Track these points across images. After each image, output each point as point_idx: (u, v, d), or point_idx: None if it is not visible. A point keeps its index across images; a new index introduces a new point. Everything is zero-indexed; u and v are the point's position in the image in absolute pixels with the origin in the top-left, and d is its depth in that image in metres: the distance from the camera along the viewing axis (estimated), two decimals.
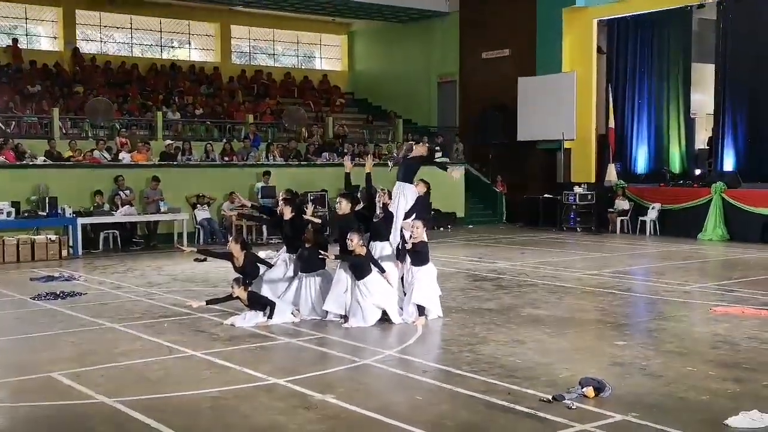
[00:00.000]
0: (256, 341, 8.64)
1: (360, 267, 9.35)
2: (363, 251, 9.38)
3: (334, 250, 9.91)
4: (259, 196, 19.34)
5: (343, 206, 9.83)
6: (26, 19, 26.28)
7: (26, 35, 26.41)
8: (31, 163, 17.84)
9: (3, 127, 20.04)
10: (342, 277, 9.62)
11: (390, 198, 9.96)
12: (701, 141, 24.59)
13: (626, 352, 8.04)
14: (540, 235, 20.97)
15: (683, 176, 22.18)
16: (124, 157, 19.09)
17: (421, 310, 9.50)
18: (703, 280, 13.33)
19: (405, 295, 9.71)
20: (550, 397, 6.40)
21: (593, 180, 23.07)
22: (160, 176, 18.58)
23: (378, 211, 9.97)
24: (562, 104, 23.16)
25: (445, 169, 10.77)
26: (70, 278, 13.26)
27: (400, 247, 9.92)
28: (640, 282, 12.78)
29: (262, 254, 11.30)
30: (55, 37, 26.59)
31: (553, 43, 24.11)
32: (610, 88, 23.27)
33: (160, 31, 28.77)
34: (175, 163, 19.70)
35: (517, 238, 20.34)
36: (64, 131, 20.46)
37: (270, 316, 9.44)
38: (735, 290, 11.82)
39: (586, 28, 23.80)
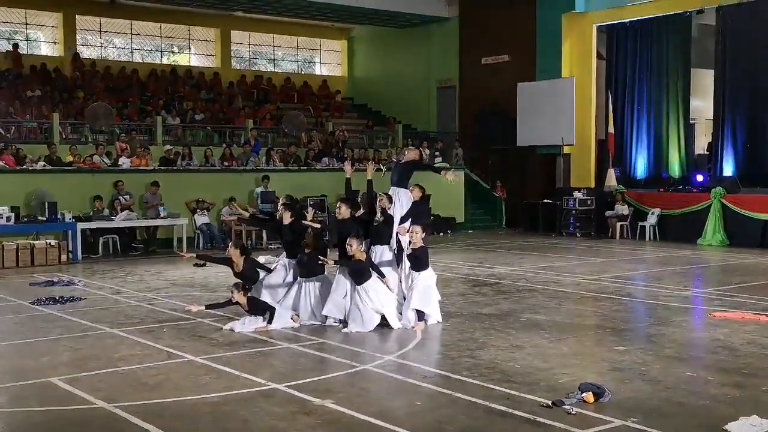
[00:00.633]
0: (255, 346, 8.64)
1: (359, 272, 9.36)
2: (362, 256, 9.38)
3: (333, 255, 9.92)
4: (259, 201, 19.35)
5: (343, 211, 9.85)
6: (26, 24, 26.32)
7: (26, 40, 26.44)
8: (30, 168, 17.84)
9: (3, 132, 20.06)
10: (341, 282, 9.62)
11: (390, 202, 9.98)
12: (701, 146, 24.63)
13: (626, 357, 8.04)
14: (539, 240, 20.97)
15: (683, 181, 22.18)
16: (124, 162, 19.10)
17: (420, 315, 9.50)
18: (703, 285, 13.33)
19: (404, 299, 9.71)
20: (549, 403, 6.39)
21: (593, 185, 23.08)
22: (159, 181, 18.59)
23: (378, 216, 9.98)
24: (561, 110, 23.18)
25: (439, 172, 10.76)
26: (69, 283, 13.26)
27: (396, 251, 9.94)
28: (639, 287, 12.77)
29: (261, 259, 11.30)
30: (55, 42, 26.62)
31: (552, 48, 24.14)
32: (609, 94, 23.30)
33: (160, 37, 28.80)
34: (174, 168, 19.71)
35: (516, 243, 20.34)
36: (63, 136, 20.48)
37: (269, 321, 9.44)
38: (734, 295, 11.82)
39: (585, 34, 23.83)
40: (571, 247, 19.31)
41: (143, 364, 7.88)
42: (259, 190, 19.90)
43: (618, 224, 21.16)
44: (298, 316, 9.76)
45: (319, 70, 32.71)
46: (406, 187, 10.24)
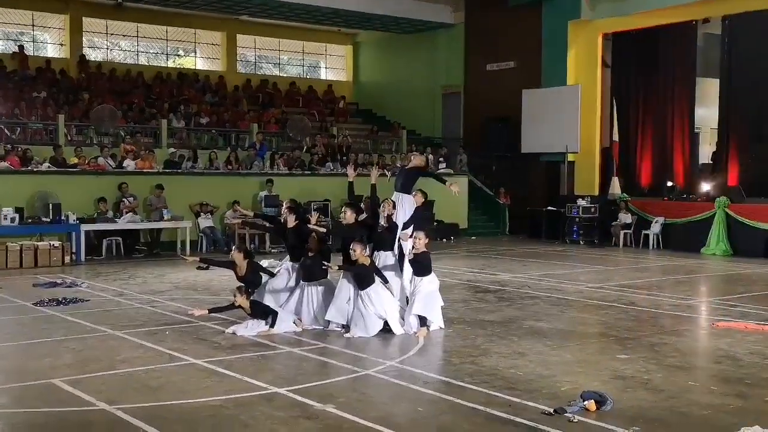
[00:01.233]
0: (257, 350, 8.63)
1: (363, 277, 9.36)
2: (366, 261, 9.38)
3: (337, 259, 9.92)
4: (263, 205, 19.36)
5: (348, 216, 9.86)
6: (33, 25, 26.40)
7: (33, 42, 26.52)
8: (35, 169, 17.88)
9: (8, 134, 20.10)
10: (345, 287, 9.63)
11: (394, 208, 9.98)
12: (705, 155, 24.60)
13: (628, 365, 8.02)
14: (543, 247, 20.95)
15: (687, 190, 22.16)
16: (129, 164, 19.13)
17: (422, 321, 9.49)
18: (706, 294, 13.31)
19: (407, 305, 9.71)
20: (551, 410, 6.38)
21: (596, 193, 23.08)
22: (164, 184, 18.61)
23: (382, 222, 9.98)
24: (566, 117, 23.19)
25: (444, 182, 10.76)
26: (72, 285, 13.28)
27: (398, 257, 9.94)
28: (642, 296, 12.75)
29: (264, 263, 11.31)
30: (61, 44, 26.70)
31: (558, 55, 24.17)
32: (614, 102, 23.30)
33: (166, 40, 28.88)
34: (179, 171, 19.74)
35: (519, 250, 20.32)
36: (69, 138, 20.53)
37: (272, 325, 9.43)
38: (738, 305, 11.79)
39: (591, 42, 23.87)
40: (574, 255, 19.29)
41: (145, 366, 7.88)
42: (263, 193, 19.91)
43: (621, 232, 21.14)
44: (301, 320, 9.76)
45: (325, 74, 32.77)
46: (409, 193, 10.24)
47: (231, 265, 10.07)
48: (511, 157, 24.97)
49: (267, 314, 9.50)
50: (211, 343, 8.99)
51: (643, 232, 20.84)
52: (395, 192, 10.27)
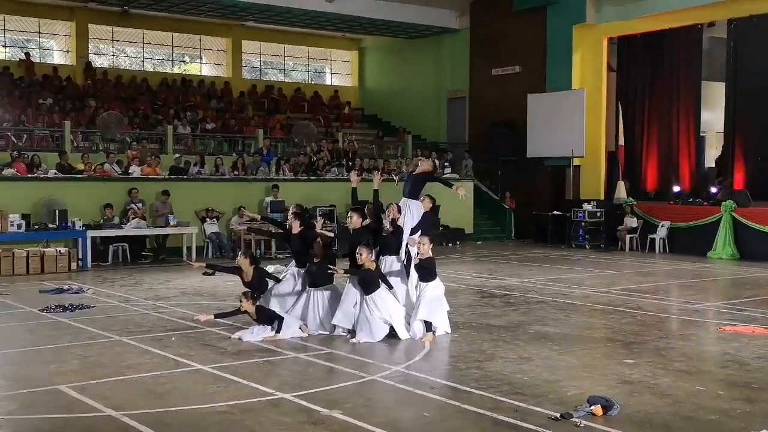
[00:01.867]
0: (263, 356, 8.64)
1: (368, 282, 9.36)
2: (372, 266, 9.39)
3: (343, 264, 9.92)
4: (268, 211, 19.38)
5: (355, 221, 9.88)
6: (39, 32, 26.49)
7: (39, 49, 26.62)
8: (41, 176, 17.93)
9: (15, 140, 20.16)
10: (351, 292, 9.63)
11: (400, 213, 9.98)
12: (711, 159, 24.57)
13: (635, 370, 8.00)
14: (549, 251, 20.93)
15: (693, 194, 22.12)
16: (135, 170, 19.17)
17: (428, 326, 9.48)
18: (713, 298, 13.27)
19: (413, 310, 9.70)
20: (558, 415, 6.37)
21: (602, 197, 23.05)
22: (169, 190, 18.64)
23: (387, 226, 9.98)
24: (571, 121, 23.17)
25: (451, 186, 10.76)
26: (79, 291, 13.29)
27: (405, 263, 9.94)
28: (649, 300, 12.72)
29: (270, 269, 11.32)
30: (67, 51, 26.79)
31: (563, 60, 24.17)
32: (620, 106, 23.27)
33: (172, 46, 28.95)
34: (185, 176, 19.78)
35: (525, 254, 20.30)
36: (75, 144, 20.58)
37: (278, 331, 9.43)
38: (745, 309, 11.76)
39: (596, 46, 23.86)
40: (580, 259, 19.26)
41: (151, 372, 7.88)
42: (268, 199, 19.94)
43: (627, 236, 21.10)
44: (307, 325, 9.76)
45: (330, 80, 32.81)
46: (417, 199, 10.24)
47: (237, 270, 10.08)
48: (517, 162, 24.96)
49: (273, 320, 9.50)
50: (217, 348, 8.99)
51: (649, 236, 20.81)
52: (403, 198, 10.27)
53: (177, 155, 20.83)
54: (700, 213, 20.08)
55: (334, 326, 9.70)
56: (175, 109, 24.77)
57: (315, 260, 9.89)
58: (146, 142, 21.52)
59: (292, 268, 10.42)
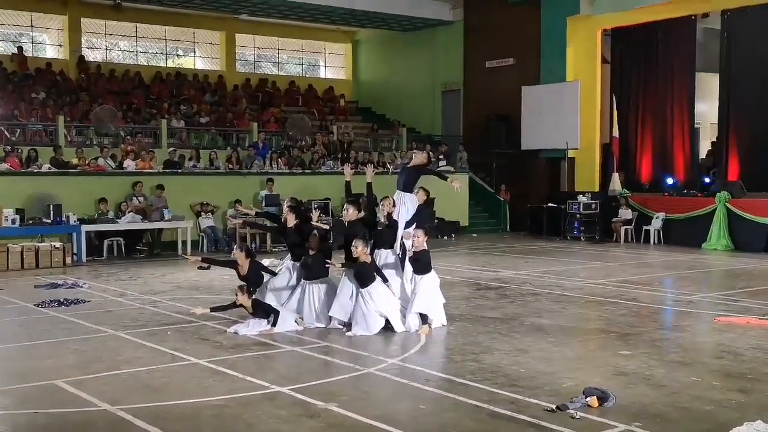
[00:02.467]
0: (259, 349, 8.64)
1: (364, 275, 9.36)
2: (368, 259, 9.39)
3: (339, 257, 9.92)
4: (263, 204, 19.36)
5: (350, 213, 9.87)
6: (32, 26, 26.39)
7: (32, 43, 26.52)
8: (35, 170, 17.88)
9: (8, 135, 20.10)
10: (347, 284, 9.63)
11: (394, 206, 9.97)
12: (705, 150, 24.59)
13: (630, 361, 8.02)
14: (544, 244, 20.95)
15: (687, 185, 22.15)
16: (129, 164, 19.14)
17: (423, 319, 9.49)
18: (708, 289, 13.30)
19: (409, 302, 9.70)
20: (553, 407, 6.38)
21: (597, 189, 23.08)
22: (164, 184, 18.61)
23: (382, 219, 9.98)
24: (566, 113, 23.18)
25: (446, 179, 10.75)
26: (74, 285, 13.28)
27: (400, 256, 9.94)
28: (644, 291, 12.75)
29: (266, 262, 11.31)
30: (60, 45, 26.69)
31: (557, 52, 24.16)
32: (614, 97, 23.28)
33: (165, 39, 28.87)
34: (179, 171, 19.74)
35: (520, 246, 20.32)
36: (69, 139, 20.53)
37: (274, 324, 9.44)
38: (739, 300, 11.79)
39: (590, 38, 23.85)
40: (575, 251, 19.29)
41: (147, 366, 7.88)
42: (263, 193, 19.92)
43: (622, 228, 21.13)
44: (302, 319, 9.76)
45: (324, 73, 32.76)
46: (412, 192, 10.22)
47: (233, 264, 10.07)
48: (512, 154, 24.96)
49: (269, 313, 9.51)
50: (213, 342, 8.99)
51: (644, 227, 20.84)
52: (397, 191, 10.25)
53: (171, 149, 20.79)
54: (695, 204, 20.11)
55: (330, 318, 9.71)
56: (168, 103, 24.72)
57: (311, 253, 9.88)
58: (140, 136, 21.45)
59: (288, 262, 10.42)
